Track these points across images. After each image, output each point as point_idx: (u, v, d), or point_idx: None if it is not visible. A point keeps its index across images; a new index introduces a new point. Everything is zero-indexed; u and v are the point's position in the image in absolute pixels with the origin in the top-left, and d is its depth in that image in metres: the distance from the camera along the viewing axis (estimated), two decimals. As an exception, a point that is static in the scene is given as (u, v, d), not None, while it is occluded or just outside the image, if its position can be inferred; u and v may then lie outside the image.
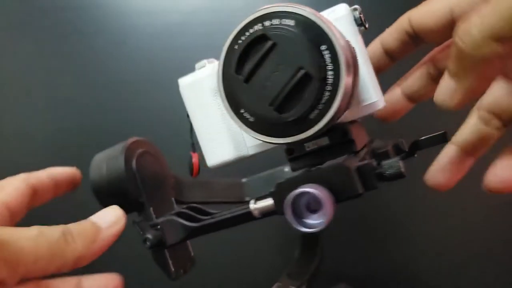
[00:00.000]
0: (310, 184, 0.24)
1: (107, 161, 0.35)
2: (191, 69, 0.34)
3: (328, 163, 0.26)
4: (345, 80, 0.25)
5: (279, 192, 0.26)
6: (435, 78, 0.33)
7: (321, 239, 0.42)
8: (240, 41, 0.26)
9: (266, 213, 0.29)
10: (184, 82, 0.34)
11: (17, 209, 0.30)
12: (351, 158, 0.27)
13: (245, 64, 0.26)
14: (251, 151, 0.33)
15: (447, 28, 0.30)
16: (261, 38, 0.25)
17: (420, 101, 0.35)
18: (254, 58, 0.26)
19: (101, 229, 0.28)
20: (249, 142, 0.33)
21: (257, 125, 0.27)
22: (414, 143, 0.29)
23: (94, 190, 0.35)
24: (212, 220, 0.33)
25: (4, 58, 0.68)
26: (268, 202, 0.28)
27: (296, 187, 0.25)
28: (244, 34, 0.26)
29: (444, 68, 0.29)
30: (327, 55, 0.25)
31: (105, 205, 0.35)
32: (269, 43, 0.25)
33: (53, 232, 0.26)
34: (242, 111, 0.27)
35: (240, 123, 0.28)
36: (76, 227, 0.27)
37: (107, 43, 0.66)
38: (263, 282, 0.36)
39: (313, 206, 0.24)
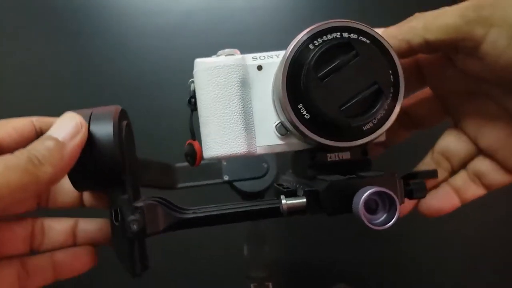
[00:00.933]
0: (370, 186, 0.26)
1: (91, 119, 0.30)
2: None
3: (370, 173, 0.29)
4: (401, 102, 0.28)
5: (329, 192, 0.27)
6: (404, 124, 0.36)
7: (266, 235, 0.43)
8: (316, 42, 0.28)
9: (294, 211, 0.29)
10: (206, 64, 0.32)
11: (11, 148, 0.27)
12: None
13: (323, 64, 0.27)
14: (259, 151, 0.33)
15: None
16: (344, 45, 0.27)
17: (390, 145, 0.38)
18: (334, 61, 0.27)
19: (64, 143, 0.27)
20: (259, 141, 0.33)
21: (311, 124, 0.28)
22: (409, 175, 0.33)
23: None
24: (208, 213, 0.31)
25: (4, 59, 0.67)
26: (300, 200, 0.29)
27: (352, 189, 0.26)
28: (321, 37, 0.28)
29: (413, 115, 0.36)
30: (391, 79, 0.28)
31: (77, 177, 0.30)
32: (353, 53, 0.27)
33: (18, 161, 0.25)
34: (300, 106, 0.28)
35: (296, 118, 0.28)
36: (39, 149, 0.26)
37: (107, 43, 0.66)
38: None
39: (372, 206, 0.26)
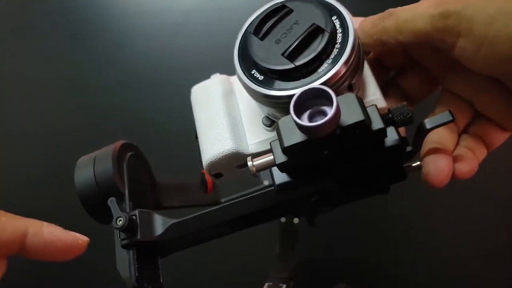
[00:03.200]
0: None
1: (95, 161, 0.34)
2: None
3: None
4: (352, 41, 0.27)
5: (283, 124, 0.25)
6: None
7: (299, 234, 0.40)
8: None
9: (264, 168, 0.27)
10: (197, 86, 0.36)
11: None
12: None
13: (263, 27, 0.29)
14: (251, 149, 0.32)
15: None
16: (280, 8, 0.29)
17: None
18: (271, 21, 0.29)
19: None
20: (250, 139, 0.33)
21: (266, 82, 0.28)
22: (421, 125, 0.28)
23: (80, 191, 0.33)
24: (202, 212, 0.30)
25: (4, 58, 0.69)
26: (268, 158, 0.27)
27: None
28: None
29: (406, 89, 0.34)
30: (337, 22, 0.28)
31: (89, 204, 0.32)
32: (286, 9, 0.29)
33: None
34: (253, 72, 0.29)
35: (250, 82, 0.29)
36: None
37: (106, 43, 0.68)
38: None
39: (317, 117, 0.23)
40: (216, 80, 0.35)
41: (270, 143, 0.27)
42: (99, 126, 0.65)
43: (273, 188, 0.28)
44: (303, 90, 0.23)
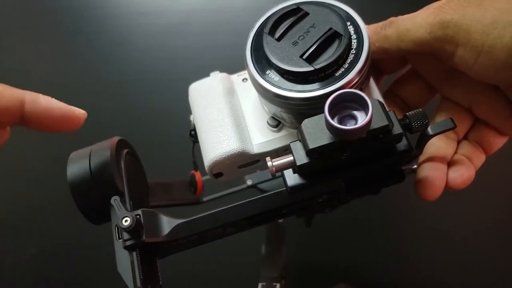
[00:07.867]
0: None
1: (91, 155, 0.32)
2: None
3: None
4: (367, 48, 0.28)
5: (306, 126, 0.25)
6: (402, 109, 0.36)
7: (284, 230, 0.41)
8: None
9: (283, 168, 0.27)
10: (196, 83, 0.35)
11: None
12: None
13: (278, 28, 0.29)
14: (256, 149, 0.32)
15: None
16: (295, 10, 0.29)
17: None
18: (287, 22, 0.29)
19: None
20: (255, 139, 0.33)
21: (281, 83, 0.28)
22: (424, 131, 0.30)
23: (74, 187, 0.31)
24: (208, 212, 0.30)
25: (4, 58, 0.68)
26: (288, 158, 0.27)
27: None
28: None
29: (406, 97, 0.36)
30: (351, 29, 0.29)
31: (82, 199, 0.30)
32: (302, 12, 0.29)
33: None
34: (267, 72, 0.29)
35: (266, 83, 0.29)
36: None
37: (107, 43, 0.67)
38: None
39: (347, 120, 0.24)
40: (217, 78, 0.35)
41: (289, 144, 0.27)
42: (97, 126, 0.63)
43: (284, 189, 0.29)
44: (338, 93, 0.23)
